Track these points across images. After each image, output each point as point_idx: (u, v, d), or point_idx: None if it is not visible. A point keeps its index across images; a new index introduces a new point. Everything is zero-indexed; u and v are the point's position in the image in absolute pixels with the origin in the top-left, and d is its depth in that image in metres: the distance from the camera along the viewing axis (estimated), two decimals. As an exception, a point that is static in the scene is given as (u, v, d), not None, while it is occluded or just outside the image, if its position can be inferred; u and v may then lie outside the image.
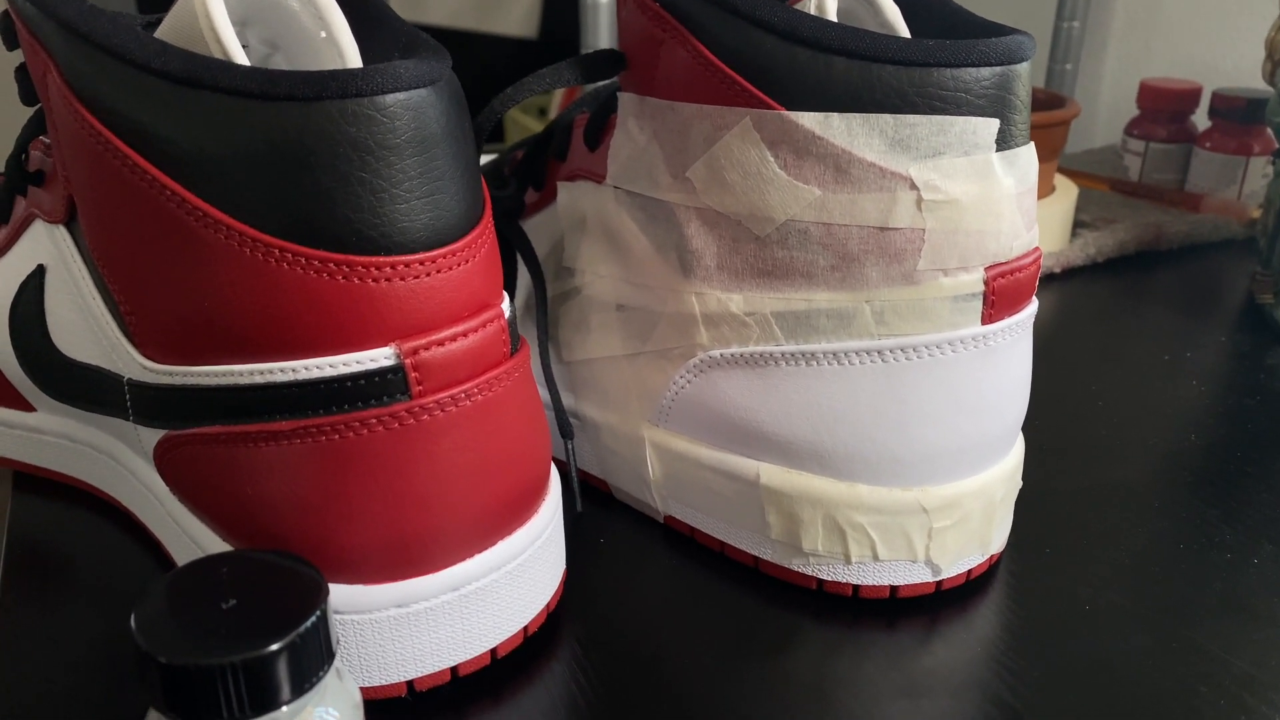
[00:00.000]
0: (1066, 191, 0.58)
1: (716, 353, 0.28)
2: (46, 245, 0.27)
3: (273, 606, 0.18)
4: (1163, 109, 0.66)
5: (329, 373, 0.22)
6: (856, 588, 0.29)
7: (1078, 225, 0.59)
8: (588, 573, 0.30)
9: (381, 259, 0.21)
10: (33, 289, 0.28)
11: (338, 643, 0.24)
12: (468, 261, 0.23)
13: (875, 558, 0.28)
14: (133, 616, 0.18)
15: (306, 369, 0.22)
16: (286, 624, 0.18)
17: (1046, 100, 0.57)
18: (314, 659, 0.18)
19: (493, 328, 0.23)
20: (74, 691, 0.26)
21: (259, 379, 0.22)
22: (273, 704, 0.18)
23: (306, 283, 0.21)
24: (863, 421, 0.27)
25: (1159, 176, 0.66)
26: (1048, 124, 0.54)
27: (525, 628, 0.27)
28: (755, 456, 0.29)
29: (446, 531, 0.24)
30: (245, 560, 0.20)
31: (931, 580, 0.28)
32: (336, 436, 0.22)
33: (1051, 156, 0.56)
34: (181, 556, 0.28)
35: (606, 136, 0.31)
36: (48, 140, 0.28)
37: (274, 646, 0.17)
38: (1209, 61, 0.74)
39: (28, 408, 0.32)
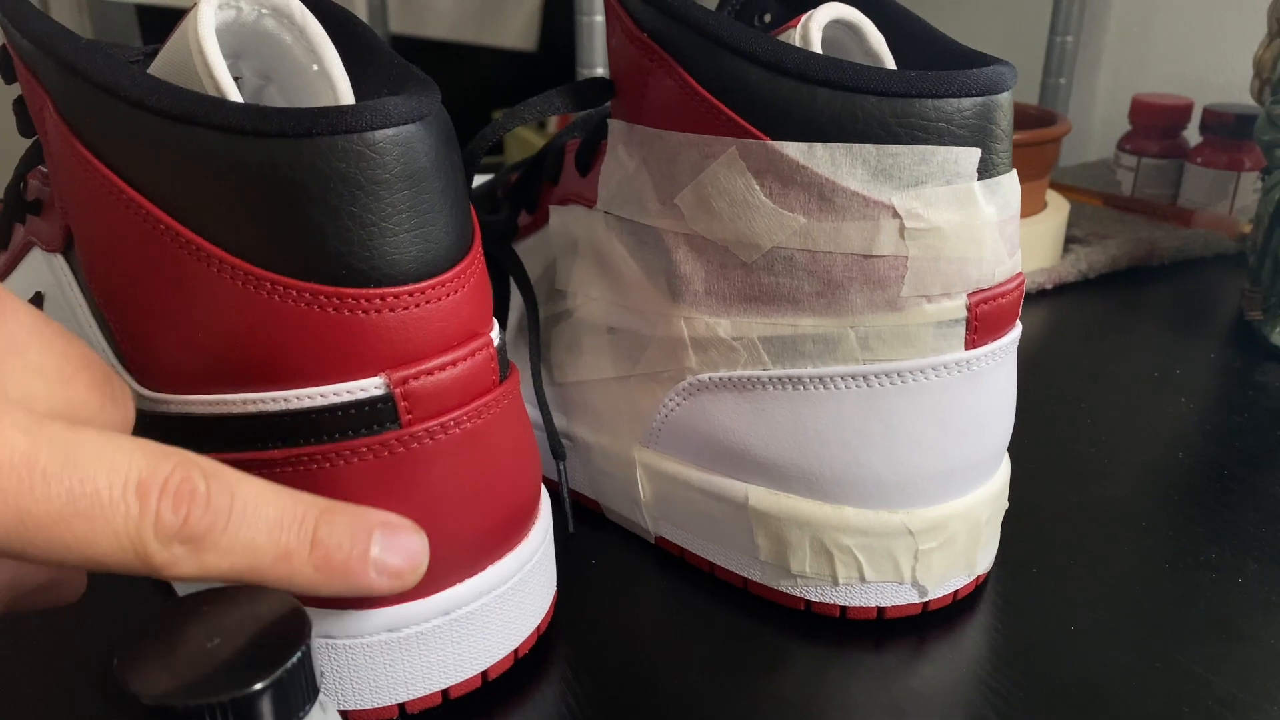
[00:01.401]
0: (1058, 207, 0.58)
1: (705, 376, 0.29)
2: (44, 273, 0.28)
3: (256, 644, 0.18)
4: (1155, 124, 0.66)
5: (320, 402, 0.22)
6: (844, 609, 0.29)
7: (1070, 240, 0.59)
8: (579, 592, 0.31)
9: (371, 291, 0.22)
10: (30, 317, 0.29)
11: (321, 677, 0.24)
12: (457, 292, 0.23)
13: (862, 579, 0.28)
14: (115, 656, 0.18)
15: (298, 398, 0.22)
16: (271, 662, 0.18)
17: (1038, 117, 0.58)
18: (298, 696, 0.18)
19: (481, 356, 0.24)
20: (69, 713, 0.26)
21: (251, 408, 0.23)
22: None
23: (298, 314, 0.22)
24: (849, 445, 0.27)
25: (1151, 191, 0.67)
26: (1039, 141, 0.54)
27: (516, 650, 0.27)
28: (744, 479, 0.29)
29: (437, 556, 0.24)
30: (228, 597, 0.20)
31: (918, 601, 0.29)
32: (328, 465, 0.23)
33: (1043, 173, 0.56)
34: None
35: (597, 162, 0.31)
36: (46, 170, 0.28)
37: (258, 686, 0.17)
38: (1201, 77, 0.75)
39: (26, 430, 0.33)
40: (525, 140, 1.40)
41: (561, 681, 0.27)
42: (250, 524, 0.19)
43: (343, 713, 0.25)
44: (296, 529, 0.20)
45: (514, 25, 1.53)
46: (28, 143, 0.29)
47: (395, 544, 0.21)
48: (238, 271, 0.21)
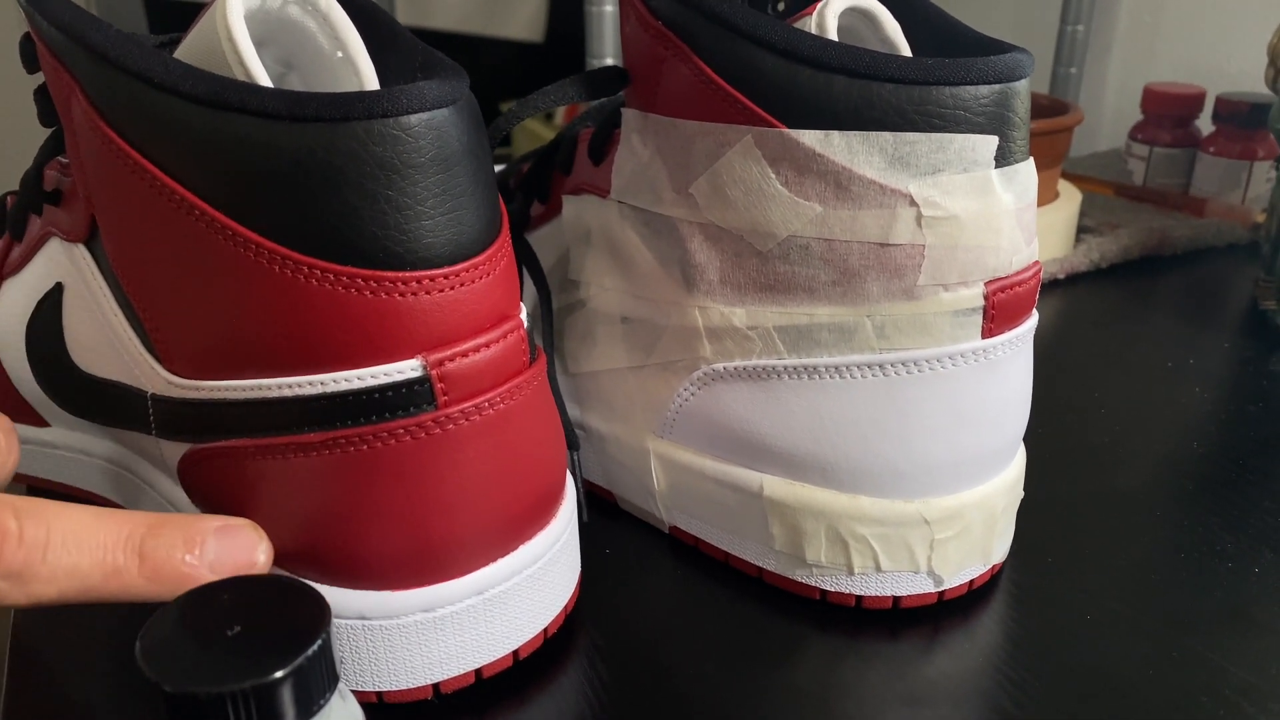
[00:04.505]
0: (1070, 197, 0.58)
1: (720, 366, 0.29)
2: (64, 264, 0.28)
3: (277, 632, 0.18)
4: (1167, 113, 0.66)
5: (357, 385, 0.22)
6: (859, 598, 0.29)
7: (1081, 230, 0.59)
8: (594, 582, 0.31)
9: (408, 274, 0.22)
10: (50, 306, 0.29)
11: (341, 664, 0.24)
12: (488, 275, 0.23)
13: (878, 569, 0.28)
14: (138, 644, 0.18)
15: (335, 382, 0.22)
16: (291, 649, 0.18)
17: (1050, 106, 0.57)
18: (319, 683, 0.18)
19: (513, 338, 0.24)
20: (91, 710, 0.26)
21: (288, 392, 0.23)
22: None
23: (335, 298, 0.22)
24: (864, 434, 0.27)
25: (1163, 181, 0.67)
26: (1051, 130, 0.54)
27: (545, 629, 0.27)
28: (758, 468, 0.29)
29: (471, 537, 0.24)
30: (249, 585, 0.20)
31: (934, 591, 0.29)
32: (365, 447, 0.23)
33: (1055, 163, 0.56)
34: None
35: (611, 151, 0.31)
36: (64, 160, 0.29)
37: (279, 673, 0.18)
38: (1213, 66, 0.74)
39: (41, 423, 0.33)
40: (533, 133, 1.40)
41: (577, 671, 0.27)
42: (71, 551, 0.21)
43: (378, 694, 0.25)
44: (123, 546, 0.21)
45: (521, 17, 1.52)
46: (26, 129, 0.29)
47: (230, 544, 0.23)
48: (274, 256, 0.21)
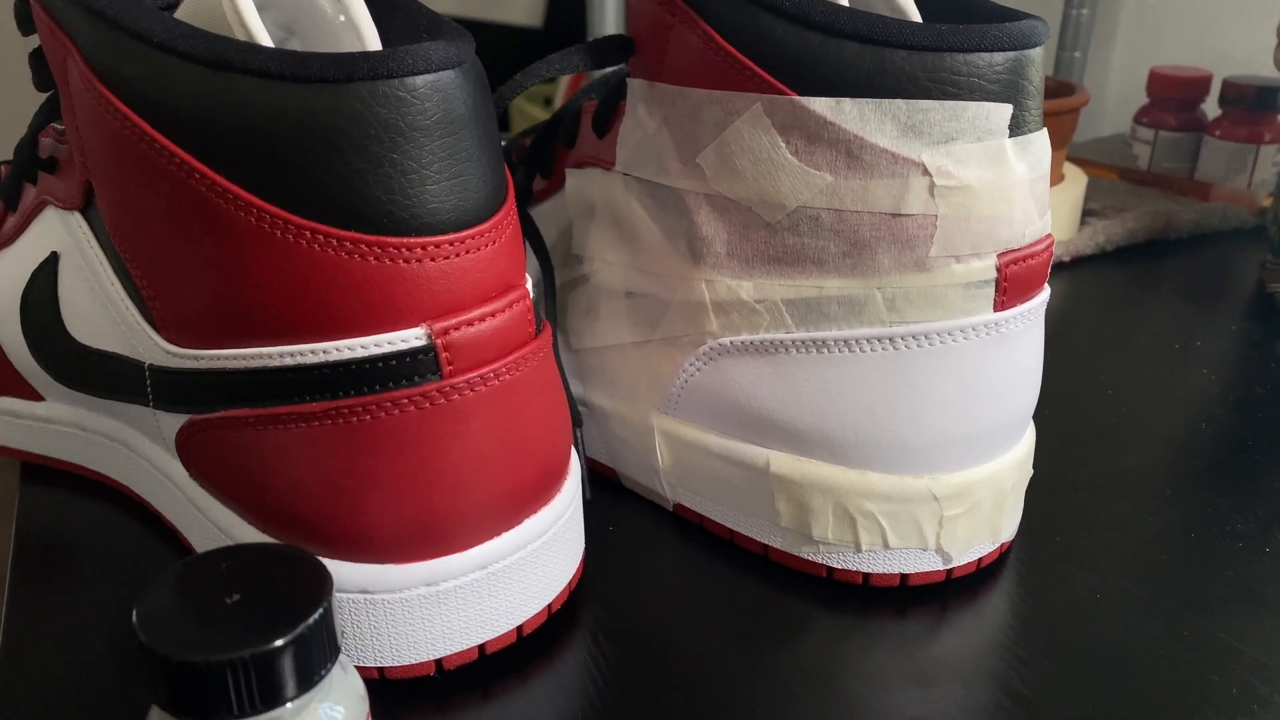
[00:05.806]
0: (1075, 180, 0.57)
1: (726, 340, 0.28)
2: (60, 232, 0.27)
3: (277, 601, 0.18)
4: (1172, 97, 0.65)
5: (360, 354, 0.22)
6: (867, 576, 0.29)
7: (1087, 214, 0.59)
8: (598, 560, 0.30)
9: (412, 240, 0.21)
10: (46, 276, 0.28)
11: (342, 635, 0.24)
12: (494, 243, 0.23)
13: (885, 546, 0.28)
14: (134, 612, 0.18)
15: (338, 350, 0.22)
16: (291, 619, 0.18)
17: (1055, 88, 0.57)
18: (319, 654, 0.18)
19: (519, 308, 0.23)
20: (84, 685, 0.26)
21: (289, 361, 0.22)
22: (277, 700, 0.18)
23: (338, 264, 0.21)
24: (873, 409, 0.27)
25: (1168, 165, 0.66)
26: (1057, 112, 0.53)
27: (549, 605, 0.27)
28: (765, 444, 0.29)
29: (475, 510, 0.24)
30: (249, 554, 0.19)
31: (942, 568, 0.28)
32: (368, 417, 0.22)
33: (1061, 145, 0.56)
34: (201, 543, 0.28)
35: (615, 123, 0.30)
36: (59, 127, 0.28)
37: (279, 642, 0.17)
38: (1219, 49, 0.74)
39: (36, 397, 0.32)
40: (531, 116, 1.39)
41: (581, 648, 0.27)
42: None
43: (380, 670, 0.25)
44: None
45: (520, 1, 1.51)
46: (16, 101, 0.28)
47: None
48: (277, 220, 0.21)
